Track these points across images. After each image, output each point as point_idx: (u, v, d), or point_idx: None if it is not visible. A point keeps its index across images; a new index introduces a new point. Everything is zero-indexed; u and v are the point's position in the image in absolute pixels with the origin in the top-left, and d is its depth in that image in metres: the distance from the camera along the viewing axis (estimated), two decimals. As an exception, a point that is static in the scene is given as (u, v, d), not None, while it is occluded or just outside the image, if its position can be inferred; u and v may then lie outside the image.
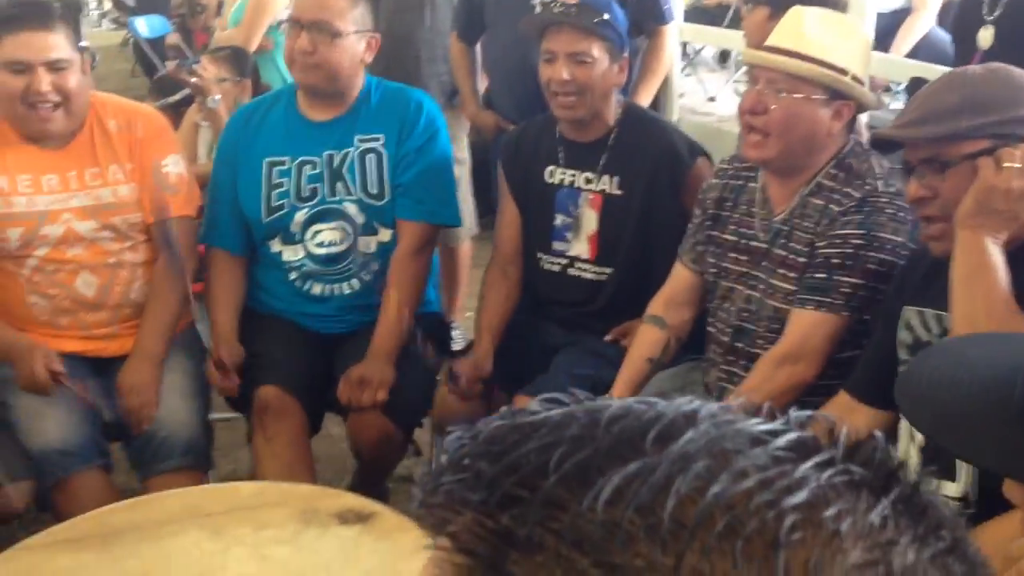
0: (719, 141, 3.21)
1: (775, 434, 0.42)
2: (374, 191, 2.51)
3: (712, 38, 5.41)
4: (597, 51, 2.34)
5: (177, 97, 3.46)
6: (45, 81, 2.22)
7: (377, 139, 2.51)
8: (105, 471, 2.24)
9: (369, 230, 2.53)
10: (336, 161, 2.50)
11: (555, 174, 2.50)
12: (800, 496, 0.40)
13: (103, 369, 2.42)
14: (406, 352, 2.46)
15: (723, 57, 7.11)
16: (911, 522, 0.42)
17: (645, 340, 2.24)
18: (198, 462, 2.33)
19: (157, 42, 6.84)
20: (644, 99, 3.08)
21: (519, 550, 0.40)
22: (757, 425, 0.43)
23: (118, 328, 2.44)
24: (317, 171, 2.50)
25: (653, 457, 0.41)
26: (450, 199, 2.62)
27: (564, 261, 2.51)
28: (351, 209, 2.51)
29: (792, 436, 0.43)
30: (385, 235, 2.54)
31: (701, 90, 6.58)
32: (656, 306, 2.27)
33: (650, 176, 2.41)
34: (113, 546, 1.75)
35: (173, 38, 6.84)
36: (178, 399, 2.37)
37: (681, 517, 0.40)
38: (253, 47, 3.73)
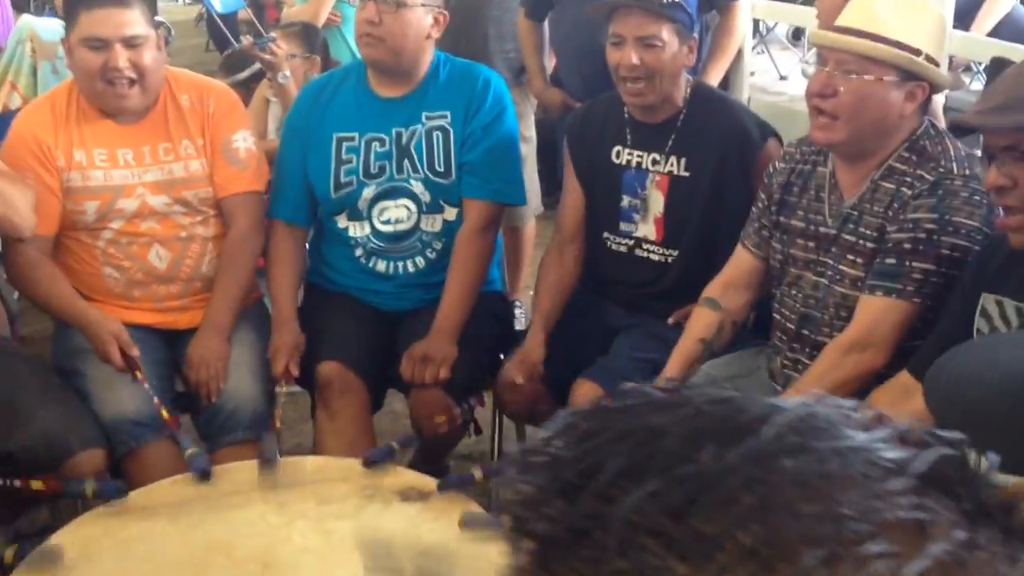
0: (790, 121, 3.14)
1: (901, 467, 0.41)
2: (440, 169, 2.51)
3: (785, 15, 5.32)
4: (667, 34, 2.30)
5: (246, 73, 3.50)
6: (122, 57, 2.27)
7: (444, 116, 2.50)
8: (174, 442, 2.28)
9: (435, 208, 2.53)
10: (404, 138, 2.50)
11: (622, 155, 2.47)
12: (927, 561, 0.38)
13: (173, 341, 2.47)
14: (468, 330, 2.47)
15: (796, 35, 6.98)
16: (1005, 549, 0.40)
17: (699, 322, 2.22)
18: (263, 435, 2.36)
19: (230, 17, 6.92)
20: (714, 77, 3.03)
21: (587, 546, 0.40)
22: (876, 446, 0.41)
23: (189, 301, 2.49)
24: (385, 148, 2.50)
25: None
26: (516, 178, 2.61)
27: (630, 242, 2.49)
28: (417, 187, 2.51)
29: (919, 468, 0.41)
30: (450, 213, 2.55)
31: (773, 68, 6.47)
32: (713, 289, 2.25)
33: (719, 158, 2.37)
34: (182, 516, 1.80)
35: (245, 13, 6.92)
36: (245, 372, 2.40)
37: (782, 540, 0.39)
38: (321, 22, 3.76)
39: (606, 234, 2.53)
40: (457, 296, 2.46)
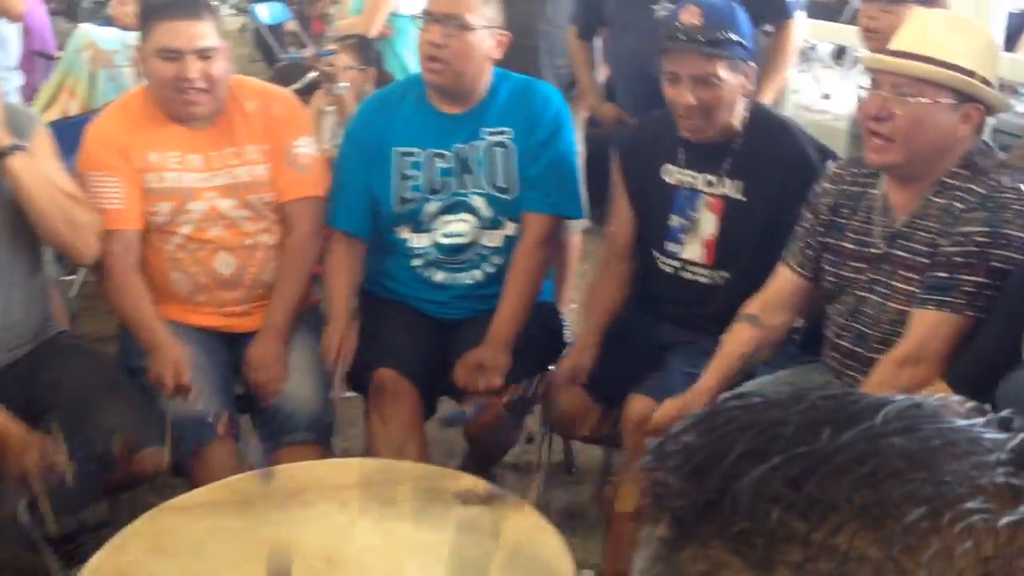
0: (833, 140, 3.16)
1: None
2: (502, 185, 2.55)
3: (829, 34, 5.32)
4: (723, 71, 2.27)
5: (300, 84, 3.58)
6: (194, 68, 2.34)
7: (505, 132, 2.54)
8: (235, 441, 2.35)
9: (495, 224, 2.57)
10: (465, 154, 2.54)
11: (673, 174, 2.46)
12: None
13: (234, 343, 2.53)
14: (521, 340, 2.51)
15: (839, 54, 6.99)
16: None
17: (738, 336, 2.22)
18: (321, 437, 2.41)
19: (276, 28, 7.03)
20: (768, 96, 3.04)
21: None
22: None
23: (250, 306, 2.56)
24: (448, 164, 2.53)
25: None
26: (575, 192, 2.64)
27: (677, 263, 2.48)
28: (479, 202, 2.55)
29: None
30: (510, 229, 2.58)
31: (816, 87, 6.48)
32: (753, 306, 2.24)
33: (778, 183, 2.35)
34: (248, 513, 1.85)
35: (292, 25, 7.04)
36: (304, 376, 2.46)
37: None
38: (374, 34, 3.82)
39: (655, 252, 2.53)
40: (514, 307, 2.51)
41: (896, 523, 0.43)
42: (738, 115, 2.37)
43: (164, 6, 2.33)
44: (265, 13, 7.00)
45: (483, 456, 2.65)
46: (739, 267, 2.41)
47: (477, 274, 2.61)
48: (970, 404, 0.49)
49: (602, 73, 3.38)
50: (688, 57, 2.27)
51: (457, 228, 2.56)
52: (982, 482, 0.44)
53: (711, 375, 2.20)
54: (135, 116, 2.45)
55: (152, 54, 2.36)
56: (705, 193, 2.42)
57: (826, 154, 2.41)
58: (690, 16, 2.27)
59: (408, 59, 3.87)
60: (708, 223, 2.43)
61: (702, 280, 2.46)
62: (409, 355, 2.51)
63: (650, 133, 2.52)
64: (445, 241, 2.57)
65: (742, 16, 2.33)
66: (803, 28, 3.23)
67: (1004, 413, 0.49)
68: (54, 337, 2.41)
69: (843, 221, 2.13)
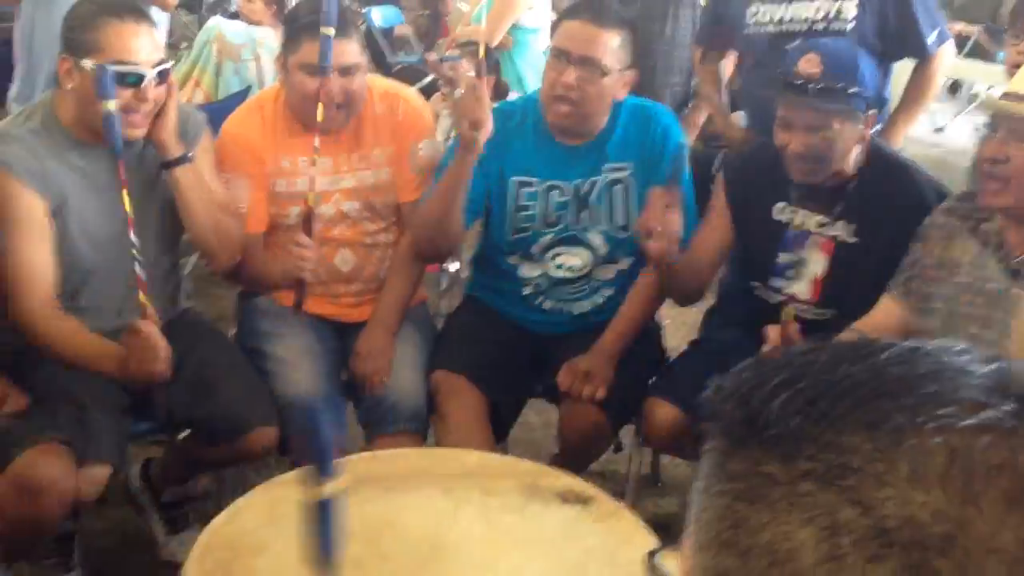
0: (946, 174, 3.12)
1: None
2: (620, 223, 2.54)
3: (973, 72, 5.22)
4: (838, 123, 2.23)
5: (417, 87, 3.67)
6: (336, 85, 2.39)
7: (624, 169, 2.51)
8: (339, 427, 2.42)
9: (610, 259, 2.58)
10: (584, 189, 2.51)
11: (785, 211, 2.43)
12: None
13: (343, 332, 2.61)
14: (627, 355, 2.53)
15: (953, 88, 6.88)
16: None
17: None
18: (420, 428, 2.47)
19: (388, 32, 7.17)
20: (902, 130, 2.97)
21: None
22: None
23: (362, 298, 2.63)
24: (564, 198, 2.51)
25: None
26: (691, 225, 2.57)
27: (780, 297, 2.45)
28: (596, 239, 2.55)
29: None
30: (625, 264, 2.59)
31: (928, 120, 6.39)
32: (851, 334, 2.20)
33: (894, 227, 2.30)
34: (355, 492, 1.91)
35: (403, 29, 7.17)
36: (408, 369, 2.53)
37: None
38: (495, 44, 3.90)
39: (755, 284, 2.52)
40: (628, 326, 2.53)
41: (885, 425, 0.55)
42: (852, 161, 2.33)
43: (313, 24, 2.34)
44: (378, 17, 7.14)
45: (573, 461, 2.67)
46: (847, 306, 2.36)
47: (586, 304, 2.62)
48: (975, 351, 0.60)
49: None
50: (801, 108, 2.24)
51: (570, 261, 2.57)
52: (957, 396, 0.56)
53: None
54: (269, 121, 2.51)
55: (296, 67, 2.41)
56: (816, 233, 2.39)
57: (943, 197, 2.33)
58: (809, 65, 2.24)
59: (525, 71, 3.94)
60: (817, 263, 2.40)
61: (806, 316, 2.42)
62: (469, 356, 2.52)
63: (762, 165, 2.46)
64: (557, 273, 2.58)
65: (865, 64, 2.29)
66: (946, 65, 3.05)
67: (994, 356, 0.59)
68: (181, 314, 2.52)
69: (956, 256, 2.11)
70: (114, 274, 2.27)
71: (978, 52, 6.39)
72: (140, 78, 2.14)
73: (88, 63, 2.12)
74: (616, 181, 2.52)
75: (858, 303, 2.33)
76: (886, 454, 0.54)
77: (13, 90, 3.91)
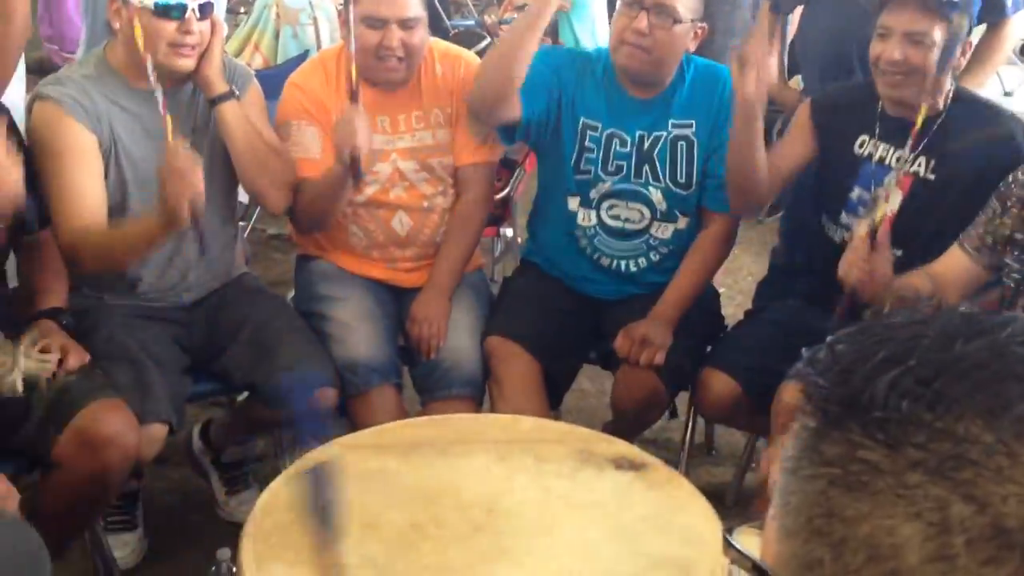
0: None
1: None
2: (682, 180, 2.53)
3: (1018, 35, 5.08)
4: (939, 33, 2.21)
5: (474, 51, 3.65)
6: (395, 37, 2.40)
7: (689, 125, 2.51)
8: (398, 390, 2.44)
9: (669, 217, 2.56)
10: (647, 143, 2.51)
11: (866, 145, 2.41)
12: None
13: (399, 296, 2.63)
14: (684, 321, 2.52)
15: (1023, 50, 6.68)
16: None
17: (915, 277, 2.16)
18: (475, 393, 2.48)
19: (442, -4, 7.12)
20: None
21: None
22: None
23: (419, 263, 2.64)
24: (626, 149, 2.51)
25: None
26: None
27: (847, 234, 2.41)
28: (655, 195, 2.54)
29: None
30: (682, 223, 2.58)
31: (998, 83, 6.21)
32: (921, 277, 2.17)
33: (977, 166, 2.27)
34: (412, 456, 1.93)
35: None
36: (463, 333, 2.53)
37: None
38: (554, 7, 3.85)
39: (824, 218, 2.50)
40: (686, 291, 2.53)
41: (1008, 414, 0.50)
42: (942, 91, 2.29)
43: None
44: (434, -20, 7.11)
45: (627, 427, 2.66)
46: (914, 246, 2.33)
47: (642, 262, 2.61)
48: None
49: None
50: (907, 11, 2.22)
51: (628, 215, 2.56)
52: None
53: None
54: (332, 75, 2.53)
55: (357, 20, 2.42)
56: (896, 169, 2.35)
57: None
58: None
59: (581, 34, 3.90)
60: (894, 199, 2.34)
61: None
62: (524, 322, 2.53)
63: (852, 98, 2.46)
64: (613, 224, 2.57)
65: None
66: (1019, 31, 3.06)
67: None
68: (239, 277, 2.56)
69: None
70: None
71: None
72: (183, 9, 2.20)
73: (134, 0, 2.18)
74: (680, 138, 2.51)
75: (927, 244, 2.31)
76: (1009, 446, 0.49)
77: (79, 54, 3.96)
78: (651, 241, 2.59)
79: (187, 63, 2.26)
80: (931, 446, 0.51)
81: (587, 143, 2.54)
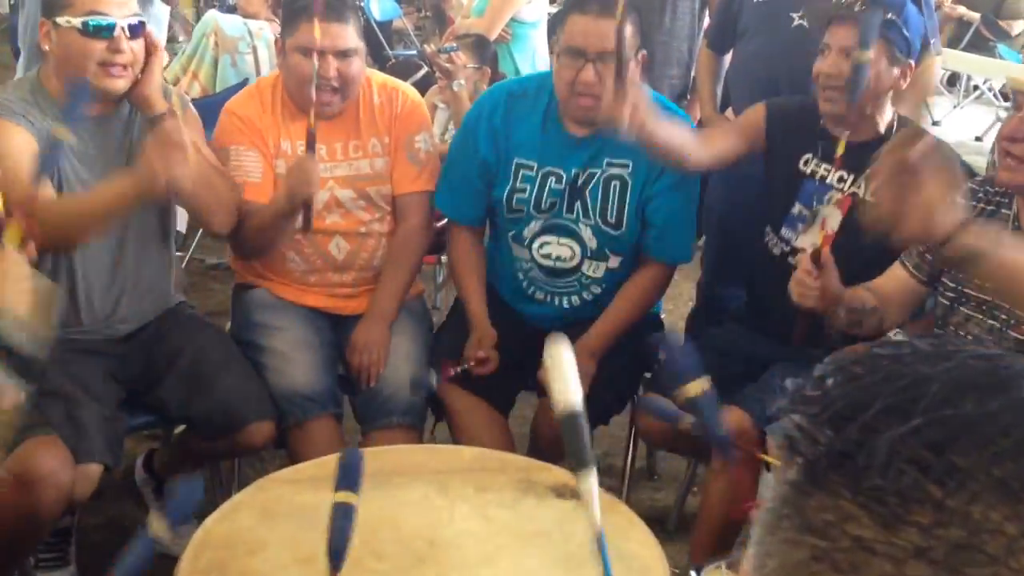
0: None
1: None
2: (612, 220, 2.52)
3: (978, 67, 5.22)
4: (875, 51, 2.24)
5: (411, 81, 3.66)
6: (332, 67, 2.40)
7: (625, 165, 2.49)
8: (337, 420, 2.42)
9: (599, 256, 2.56)
10: (581, 179, 2.50)
11: (810, 163, 2.46)
12: None
13: (339, 325, 2.61)
14: (614, 350, 2.52)
15: (951, 81, 6.87)
16: None
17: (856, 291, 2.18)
18: (415, 422, 2.46)
19: (385, 26, 7.15)
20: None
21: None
22: None
23: (357, 290, 2.63)
24: (560, 186, 2.51)
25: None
26: (691, 238, 2.63)
27: (786, 248, 2.48)
28: (585, 233, 2.54)
29: None
30: (614, 262, 2.57)
31: (926, 114, 6.38)
32: (865, 294, 2.21)
33: None
34: (351, 488, 1.91)
35: (400, 23, 7.15)
36: (403, 361, 2.52)
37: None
38: (494, 36, 3.89)
39: (768, 231, 2.54)
40: (614, 324, 2.52)
41: None
42: (884, 115, 2.37)
43: (307, 7, 2.37)
44: (376, 10, 7.11)
45: (549, 455, 2.64)
46: (852, 265, 2.34)
47: (575, 299, 2.61)
48: None
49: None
50: (844, 28, 2.29)
51: (559, 252, 2.56)
52: None
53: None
54: (268, 103, 2.53)
55: (293, 49, 2.43)
56: (836, 188, 2.41)
57: (971, 172, 2.41)
58: None
59: (522, 65, 3.93)
60: (833, 218, 2.42)
61: None
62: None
63: (795, 116, 2.52)
64: (544, 262, 2.57)
65: (913, 12, 2.33)
66: (938, 72, 3.21)
67: None
68: (176, 307, 2.52)
69: None
70: (101, 250, 2.31)
71: (977, 44, 6.39)
72: (112, 28, 2.17)
73: (63, 20, 2.16)
74: (614, 177, 2.51)
75: (864, 266, 2.34)
76: None
77: (16, 76, 3.90)
78: (583, 279, 2.59)
79: (118, 83, 2.22)
80: (938, 531, 0.42)
81: (519, 183, 2.54)
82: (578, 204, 2.52)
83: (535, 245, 2.56)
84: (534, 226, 2.55)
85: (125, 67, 2.21)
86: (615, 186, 2.50)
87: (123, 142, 2.33)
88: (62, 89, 2.23)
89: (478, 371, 2.47)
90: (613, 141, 2.46)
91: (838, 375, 0.49)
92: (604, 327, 2.52)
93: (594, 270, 2.58)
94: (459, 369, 2.48)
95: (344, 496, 1.29)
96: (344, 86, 2.45)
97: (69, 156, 2.24)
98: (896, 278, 2.22)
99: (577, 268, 2.57)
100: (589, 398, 2.35)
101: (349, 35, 2.43)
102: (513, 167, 2.53)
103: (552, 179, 2.51)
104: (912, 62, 2.35)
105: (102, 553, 2.59)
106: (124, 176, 2.15)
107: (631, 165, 2.49)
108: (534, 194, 2.52)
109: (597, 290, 2.59)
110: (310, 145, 2.32)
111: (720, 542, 2.32)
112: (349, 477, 1.34)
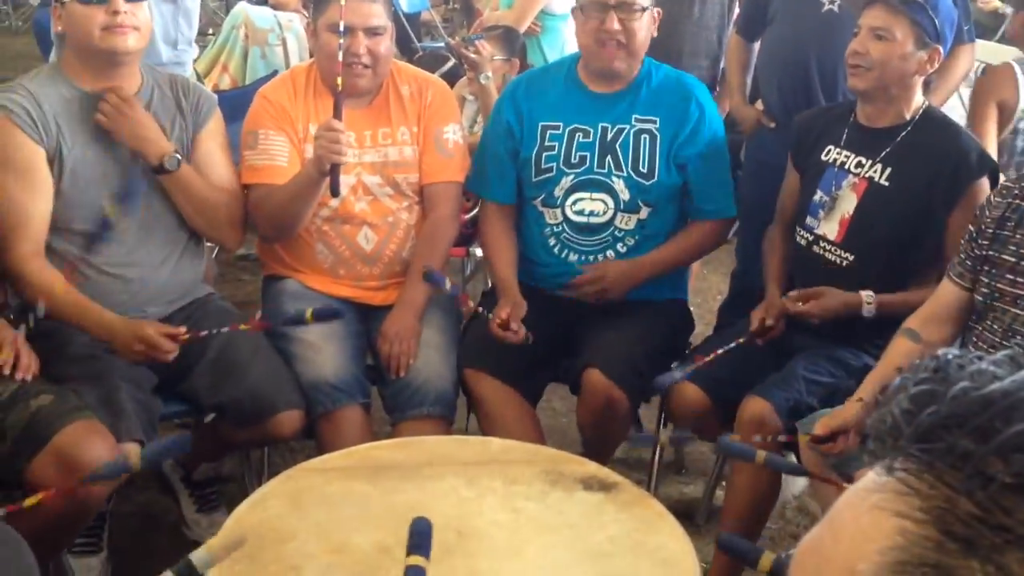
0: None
1: None
2: (644, 170, 2.59)
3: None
4: (900, 31, 2.33)
5: (439, 73, 3.65)
6: (362, 44, 2.45)
7: (653, 121, 2.60)
8: (366, 410, 2.42)
9: (632, 207, 2.62)
10: (610, 135, 2.59)
11: (831, 153, 2.53)
12: None
13: (366, 316, 2.61)
14: (648, 333, 2.55)
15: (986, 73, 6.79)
16: None
17: (897, 351, 2.20)
18: (445, 412, 2.45)
19: (413, 18, 7.14)
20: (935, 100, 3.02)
21: (1016, 546, 0.45)
22: None
23: (386, 281, 2.64)
24: (589, 140, 2.60)
25: None
26: (730, 194, 2.70)
27: (810, 237, 2.54)
28: (618, 184, 2.60)
29: None
30: (644, 213, 2.63)
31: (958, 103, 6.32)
32: (914, 320, 2.23)
33: (928, 178, 2.37)
34: (381, 479, 1.92)
35: (428, 15, 7.15)
36: (433, 352, 2.52)
37: None
38: (524, 28, 3.88)
39: (798, 226, 2.59)
40: (663, 259, 2.65)
41: None
42: (911, 101, 2.43)
43: None
44: (405, 2, 7.11)
45: (596, 447, 2.65)
46: (866, 250, 2.45)
47: (610, 254, 2.65)
48: None
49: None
50: (875, 10, 2.37)
51: (592, 207, 2.62)
52: None
53: (867, 384, 2.20)
54: (300, 88, 2.57)
55: (324, 28, 2.48)
56: (853, 173, 2.47)
57: (985, 163, 2.39)
58: None
59: (551, 57, 3.91)
60: (848, 202, 2.48)
61: (828, 256, 2.51)
62: (492, 349, 2.52)
63: (828, 117, 2.61)
64: (577, 219, 2.62)
65: (945, 1, 2.39)
66: (972, 58, 3.24)
67: None
68: (205, 298, 2.53)
69: (1007, 234, 2.10)
70: (125, 224, 2.37)
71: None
72: None
73: None
74: (644, 131, 2.59)
75: (876, 250, 2.43)
76: None
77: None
78: (616, 233, 2.63)
79: (126, 41, 2.28)
80: None
81: (547, 142, 2.62)
82: (609, 159, 2.60)
83: (568, 202, 2.62)
84: (564, 183, 2.61)
85: (127, 26, 2.27)
86: (645, 139, 2.60)
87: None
88: (79, 68, 2.32)
89: (503, 336, 2.47)
90: (640, 98, 2.61)
91: (931, 395, 0.50)
92: (654, 256, 2.64)
93: (626, 222, 2.63)
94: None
95: (415, 560, 1.33)
96: (374, 63, 2.49)
97: (81, 134, 2.30)
98: (947, 292, 2.22)
99: (610, 222, 2.63)
100: (624, 377, 2.42)
101: (378, 13, 2.48)
102: (539, 130, 2.63)
103: (580, 135, 2.61)
104: (940, 47, 2.37)
105: (134, 539, 2.63)
106: (102, 324, 2.28)
107: (659, 121, 2.60)
108: (563, 150, 2.61)
109: (631, 241, 2.65)
110: (337, 110, 2.35)
111: (747, 534, 2.31)
112: (421, 543, 1.39)
